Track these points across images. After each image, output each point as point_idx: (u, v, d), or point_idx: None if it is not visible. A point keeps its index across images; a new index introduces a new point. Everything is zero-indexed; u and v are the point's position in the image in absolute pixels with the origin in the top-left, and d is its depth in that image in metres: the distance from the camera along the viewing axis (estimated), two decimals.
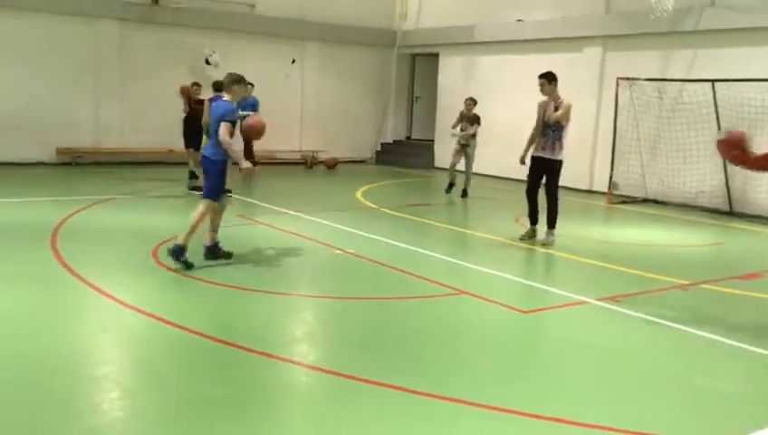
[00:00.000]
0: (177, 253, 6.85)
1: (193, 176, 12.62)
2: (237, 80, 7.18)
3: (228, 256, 7.38)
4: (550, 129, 8.81)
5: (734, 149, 6.03)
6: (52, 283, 6.38)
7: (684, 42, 13.16)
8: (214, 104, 7.43)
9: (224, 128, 6.84)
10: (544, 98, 8.90)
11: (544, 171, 9.00)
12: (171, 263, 6.90)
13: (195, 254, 7.07)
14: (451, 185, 13.31)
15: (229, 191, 11.42)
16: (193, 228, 6.94)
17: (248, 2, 17.21)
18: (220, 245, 7.39)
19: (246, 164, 7.11)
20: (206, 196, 7.13)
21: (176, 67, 16.09)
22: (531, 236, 9.18)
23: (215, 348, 4.95)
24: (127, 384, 4.37)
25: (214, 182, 7.10)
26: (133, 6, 15.50)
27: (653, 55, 13.65)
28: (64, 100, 15.13)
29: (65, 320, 5.47)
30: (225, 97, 7.20)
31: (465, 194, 13.26)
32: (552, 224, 9.03)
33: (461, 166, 13.22)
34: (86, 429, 3.75)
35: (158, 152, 15.49)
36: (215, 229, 7.35)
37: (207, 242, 7.33)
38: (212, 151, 7.06)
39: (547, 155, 8.88)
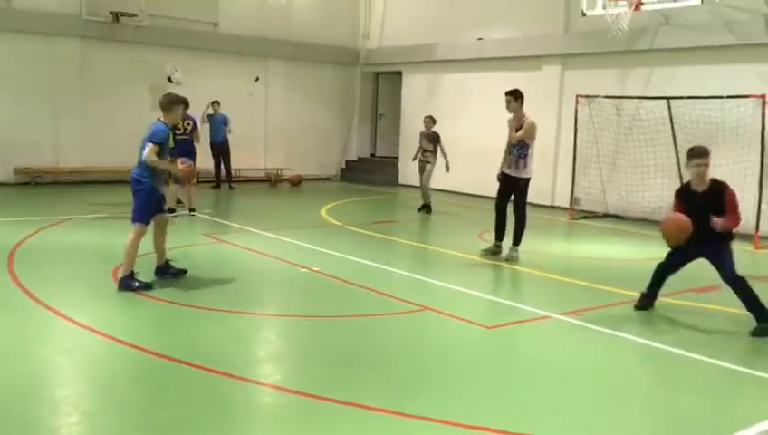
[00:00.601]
0: (127, 284, 6.74)
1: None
2: (174, 100, 7.05)
3: (182, 272, 7.32)
4: (514, 147, 8.95)
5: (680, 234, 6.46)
6: (8, 306, 6.24)
7: (640, 60, 13.48)
8: (150, 124, 7.18)
9: (149, 148, 6.71)
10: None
11: (510, 188, 9.12)
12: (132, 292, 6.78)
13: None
14: (425, 205, 13.41)
15: (172, 211, 11.35)
16: (128, 255, 6.78)
17: (211, 20, 17.19)
18: (171, 262, 7.36)
19: (179, 166, 7.09)
20: (135, 219, 6.89)
21: (138, 85, 15.97)
22: (494, 251, 9.26)
23: (176, 369, 4.89)
24: (86, 407, 4.29)
25: (141, 204, 6.88)
26: (94, 24, 15.34)
27: (611, 73, 13.96)
28: (23, 119, 14.87)
29: (23, 343, 5.35)
30: (163, 118, 7.02)
31: (429, 210, 13.33)
32: (516, 240, 9.14)
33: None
34: None
35: (119, 171, 15.25)
36: (160, 251, 7.23)
37: (157, 263, 7.26)
38: (139, 172, 6.87)
39: (512, 172, 9.01)
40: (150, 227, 7.06)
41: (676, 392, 4.92)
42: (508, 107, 8.98)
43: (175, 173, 7.20)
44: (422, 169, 13.34)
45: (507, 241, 9.28)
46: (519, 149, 8.91)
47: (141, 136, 6.97)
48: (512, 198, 9.16)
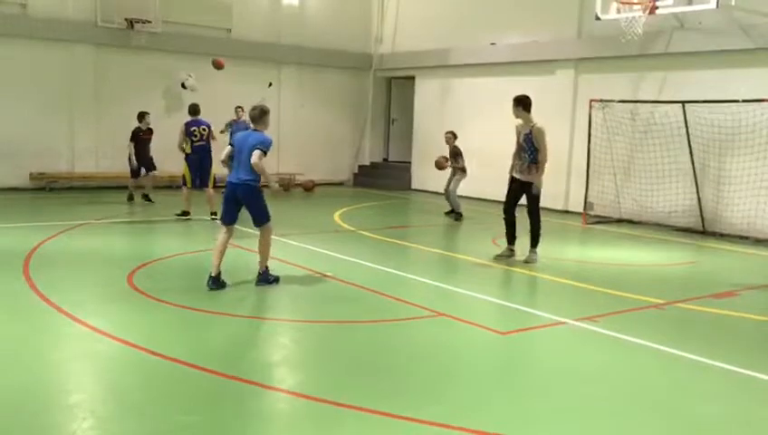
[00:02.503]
0: (266, 278, 7.37)
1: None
2: (266, 111, 7.51)
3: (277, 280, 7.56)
4: (525, 152, 8.93)
5: None
6: (24, 310, 6.27)
7: (654, 64, 13.40)
8: (247, 133, 7.51)
9: (258, 154, 7.15)
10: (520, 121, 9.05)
11: (520, 192, 9.13)
12: (265, 285, 7.35)
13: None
14: (457, 212, 13.31)
15: (186, 213, 11.58)
16: (267, 253, 7.42)
17: (224, 26, 17.26)
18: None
19: (275, 186, 7.57)
20: (265, 220, 7.41)
21: (152, 91, 16.06)
22: (507, 255, 9.25)
23: (190, 374, 4.89)
24: (100, 413, 4.29)
25: (262, 204, 7.42)
26: (108, 31, 15.45)
27: (625, 77, 13.88)
28: (39, 125, 14.99)
29: (38, 348, 5.37)
30: (257, 128, 7.46)
31: (459, 217, 13.20)
32: (534, 243, 9.19)
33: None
34: None
35: None
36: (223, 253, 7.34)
37: (213, 272, 7.24)
38: (250, 177, 7.26)
39: (524, 178, 9.00)
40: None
41: (694, 400, 4.86)
42: (515, 113, 8.97)
43: (272, 186, 7.52)
44: (451, 176, 13.30)
45: (520, 245, 9.25)
46: (530, 154, 8.88)
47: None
48: (521, 202, 9.21)
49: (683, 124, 12.50)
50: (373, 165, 20.22)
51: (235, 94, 16.47)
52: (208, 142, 11.76)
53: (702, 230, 12.45)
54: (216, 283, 7.15)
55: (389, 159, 20.59)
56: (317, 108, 19.01)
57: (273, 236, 7.66)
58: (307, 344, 5.90)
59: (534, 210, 9.11)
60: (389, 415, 4.27)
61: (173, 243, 9.95)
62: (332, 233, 11.33)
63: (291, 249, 9.51)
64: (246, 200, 7.36)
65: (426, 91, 18.51)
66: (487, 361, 5.60)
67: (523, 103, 8.88)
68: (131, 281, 7.31)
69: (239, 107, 15.72)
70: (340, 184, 19.60)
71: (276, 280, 7.47)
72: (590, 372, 5.31)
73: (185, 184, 11.75)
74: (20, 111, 14.71)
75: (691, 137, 12.45)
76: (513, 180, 9.17)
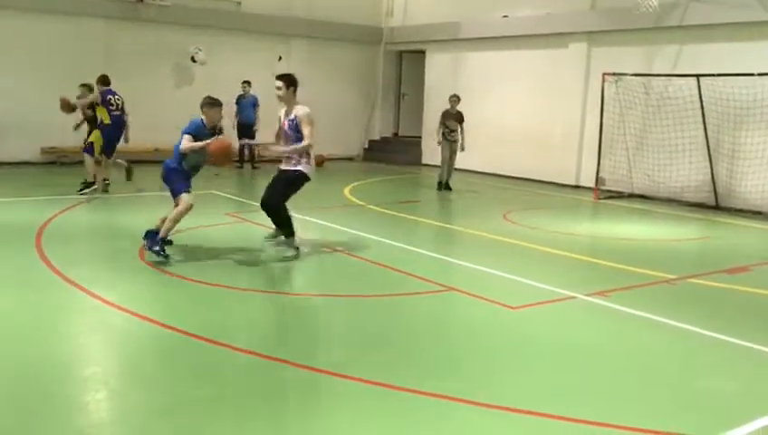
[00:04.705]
0: (154, 241, 7.04)
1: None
2: (207, 103, 7.31)
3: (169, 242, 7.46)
4: (291, 140, 7.72)
5: None
6: (36, 283, 6.31)
7: (669, 37, 13.22)
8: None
9: (184, 138, 7.07)
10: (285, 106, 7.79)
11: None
12: (150, 255, 7.07)
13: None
14: (442, 183, 13.37)
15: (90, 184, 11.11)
16: (171, 222, 7.14)
17: None
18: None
19: (214, 139, 7.18)
20: (180, 191, 7.24)
21: (162, 65, 16.00)
22: (274, 235, 7.96)
23: (202, 347, 4.91)
24: (113, 385, 4.33)
25: (174, 177, 7.29)
26: (118, 4, 15.37)
27: (638, 51, 13.71)
28: (49, 99, 14.88)
29: (51, 320, 5.41)
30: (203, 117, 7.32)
31: (448, 187, 13.31)
32: (286, 232, 7.75)
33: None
34: (72, 430, 3.71)
35: (143, 151, 15.36)
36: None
37: (154, 229, 7.38)
38: (173, 159, 7.26)
39: (290, 167, 7.78)
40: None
41: (704, 374, 4.85)
42: (284, 95, 7.64)
43: (208, 151, 7.15)
44: (450, 149, 13.25)
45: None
46: (297, 142, 7.63)
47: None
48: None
49: (697, 98, 12.35)
50: (384, 140, 20.14)
51: (244, 69, 16.42)
52: (123, 113, 11.53)
53: (715, 205, 12.36)
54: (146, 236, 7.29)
55: (400, 134, 20.49)
56: (327, 82, 18.87)
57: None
58: (317, 318, 5.92)
59: (279, 200, 7.71)
60: (400, 389, 4.28)
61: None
62: (342, 207, 11.32)
63: (301, 223, 9.49)
64: (163, 177, 7.37)
65: (437, 66, 18.35)
66: (498, 335, 5.59)
67: (295, 85, 7.65)
68: (142, 255, 7.34)
69: (246, 82, 15.67)
70: (351, 159, 19.55)
71: (162, 254, 6.98)
72: (601, 346, 5.30)
73: (90, 152, 11.34)
74: (30, 84, 14.68)
75: (705, 111, 12.32)
76: (280, 172, 7.88)
